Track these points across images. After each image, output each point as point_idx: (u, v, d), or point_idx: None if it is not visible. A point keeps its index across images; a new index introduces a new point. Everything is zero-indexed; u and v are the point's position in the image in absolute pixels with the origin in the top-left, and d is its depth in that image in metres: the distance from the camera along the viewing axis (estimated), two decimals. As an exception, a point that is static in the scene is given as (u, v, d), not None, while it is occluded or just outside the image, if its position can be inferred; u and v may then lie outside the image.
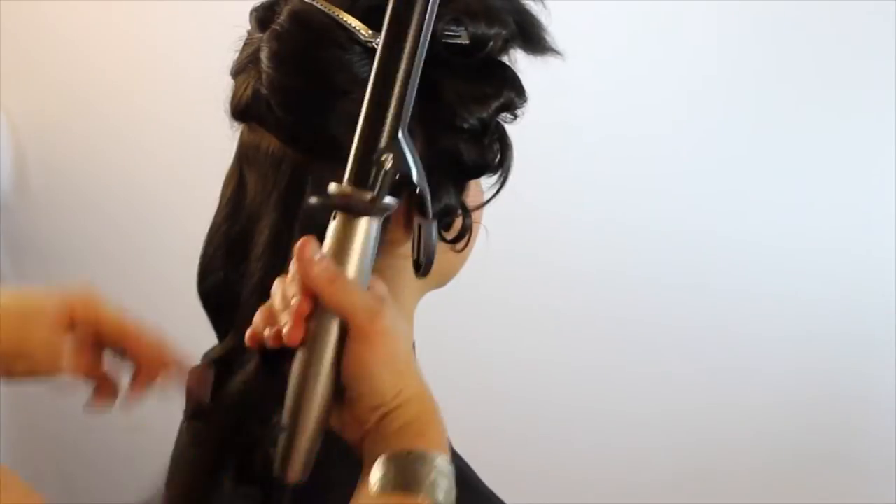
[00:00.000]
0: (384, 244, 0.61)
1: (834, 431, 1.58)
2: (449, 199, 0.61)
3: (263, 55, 0.58)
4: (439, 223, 0.62)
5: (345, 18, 0.56)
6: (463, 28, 0.58)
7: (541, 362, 1.53)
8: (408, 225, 0.61)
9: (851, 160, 1.45)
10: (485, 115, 0.59)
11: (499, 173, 0.64)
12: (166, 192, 1.46)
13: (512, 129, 0.65)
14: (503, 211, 0.67)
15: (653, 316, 1.51)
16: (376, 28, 0.56)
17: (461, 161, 0.60)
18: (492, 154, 0.62)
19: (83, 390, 0.69)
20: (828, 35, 1.40)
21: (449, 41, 0.58)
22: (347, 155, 0.56)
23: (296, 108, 0.57)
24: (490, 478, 0.66)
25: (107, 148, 1.49)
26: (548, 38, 0.63)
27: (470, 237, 0.65)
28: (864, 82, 1.42)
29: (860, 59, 1.40)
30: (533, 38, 0.62)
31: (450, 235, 0.63)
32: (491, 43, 0.59)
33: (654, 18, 1.39)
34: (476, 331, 1.49)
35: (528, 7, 0.62)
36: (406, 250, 0.63)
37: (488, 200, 0.66)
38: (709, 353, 1.54)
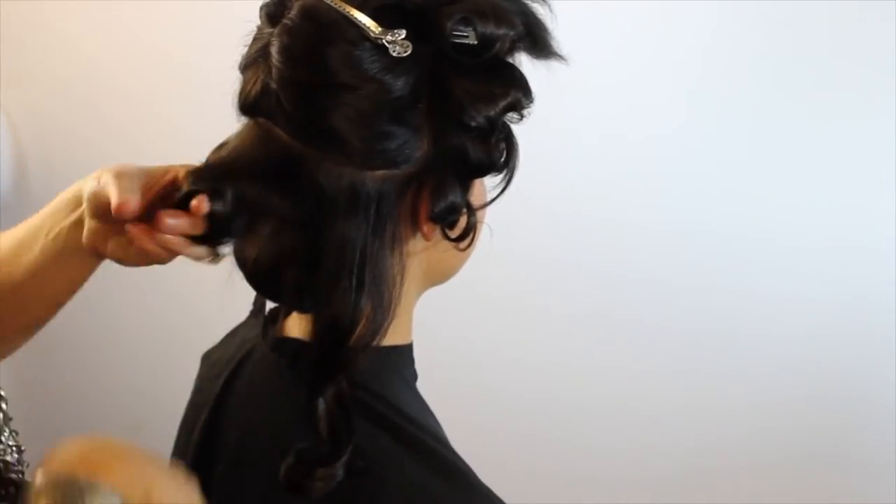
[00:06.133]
0: (390, 243, 0.61)
1: (835, 431, 1.58)
2: (455, 196, 0.61)
3: (274, 49, 0.58)
4: (444, 221, 0.62)
5: (355, 15, 0.57)
6: (471, 28, 0.58)
7: (540, 361, 1.53)
8: (413, 224, 0.62)
9: (852, 160, 1.45)
10: (492, 113, 0.59)
11: (504, 173, 0.64)
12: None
13: (514, 130, 0.65)
14: (504, 209, 0.68)
15: (653, 316, 1.52)
16: (386, 26, 0.57)
17: (468, 159, 0.61)
18: (498, 153, 0.62)
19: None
20: (829, 33, 1.40)
21: (457, 41, 0.58)
22: (354, 150, 0.56)
23: (305, 103, 0.57)
24: (489, 477, 0.66)
25: (107, 148, 1.49)
26: (553, 43, 0.63)
27: (474, 236, 0.65)
28: (865, 81, 1.42)
29: (862, 57, 1.40)
30: (539, 41, 0.62)
31: (454, 234, 0.64)
32: (499, 43, 0.59)
33: (653, 18, 1.39)
34: (476, 330, 1.49)
35: (534, 10, 0.63)
36: (411, 248, 0.64)
37: (493, 200, 0.66)
38: (709, 352, 1.54)
